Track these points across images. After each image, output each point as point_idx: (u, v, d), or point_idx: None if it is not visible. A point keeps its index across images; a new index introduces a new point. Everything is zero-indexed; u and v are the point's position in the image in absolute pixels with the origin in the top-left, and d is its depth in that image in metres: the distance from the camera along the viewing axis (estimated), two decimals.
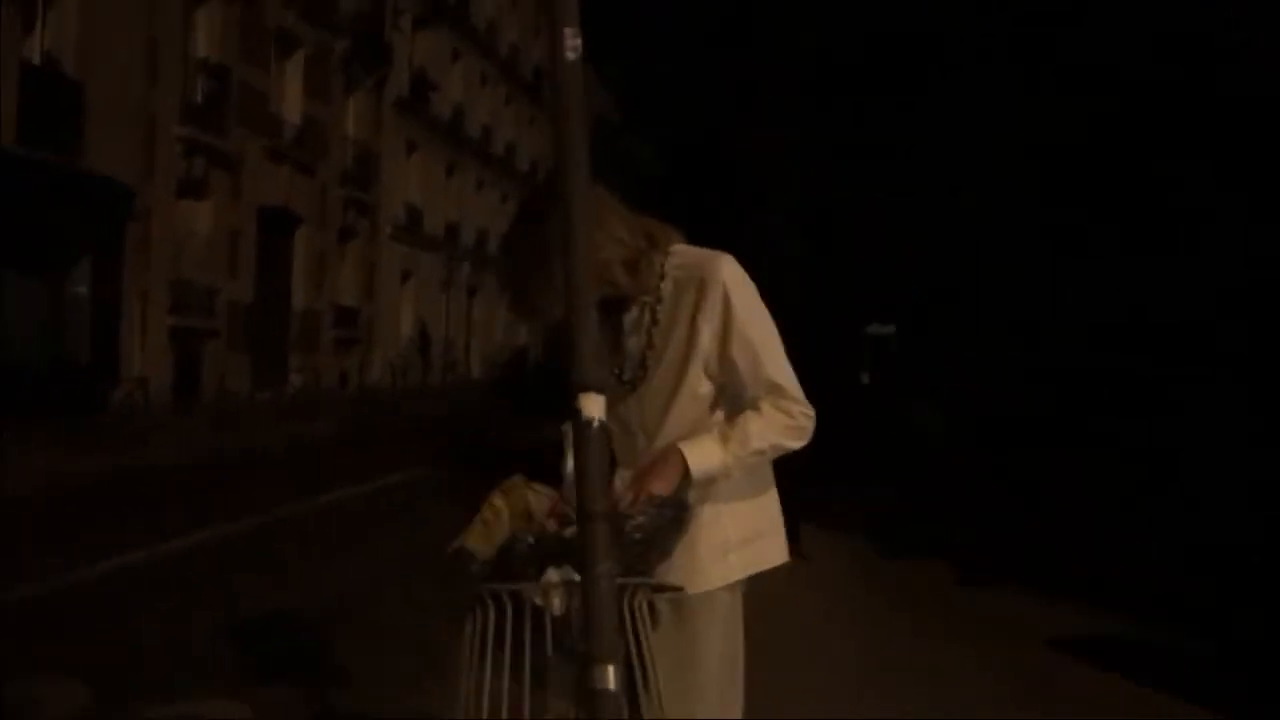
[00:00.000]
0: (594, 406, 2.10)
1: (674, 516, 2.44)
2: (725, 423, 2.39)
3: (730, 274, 2.36)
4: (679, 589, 2.36)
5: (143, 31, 19.79)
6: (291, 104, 25.93)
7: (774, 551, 2.51)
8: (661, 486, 2.30)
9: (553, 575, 2.19)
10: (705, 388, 2.42)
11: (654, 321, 2.42)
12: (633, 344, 2.45)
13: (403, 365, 31.76)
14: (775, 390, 2.36)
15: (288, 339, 25.89)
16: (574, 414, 2.11)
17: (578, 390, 2.11)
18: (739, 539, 2.46)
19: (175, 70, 20.89)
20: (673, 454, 2.33)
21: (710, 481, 2.38)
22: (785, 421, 2.35)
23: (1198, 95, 8.11)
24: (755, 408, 2.37)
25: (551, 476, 2.57)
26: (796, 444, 2.37)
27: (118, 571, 6.98)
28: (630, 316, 2.44)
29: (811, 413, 2.37)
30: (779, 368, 2.36)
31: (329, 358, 27.76)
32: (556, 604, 2.18)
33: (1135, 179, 8.82)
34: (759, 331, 2.36)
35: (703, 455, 2.33)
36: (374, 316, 30.51)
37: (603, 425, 2.10)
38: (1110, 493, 8.09)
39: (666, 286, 2.40)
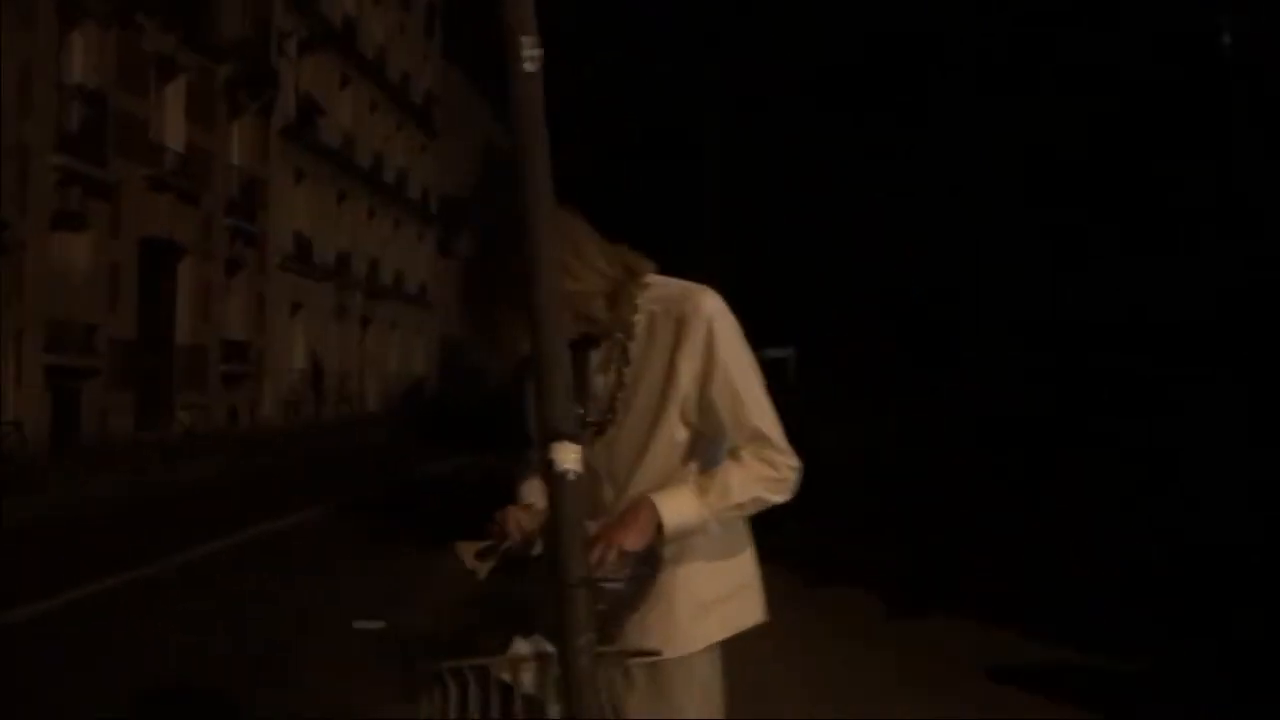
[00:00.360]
0: (568, 456, 1.86)
1: (645, 576, 2.20)
2: (702, 474, 2.16)
3: (714, 309, 2.15)
4: (656, 654, 2.12)
5: (13, 57, 18.88)
6: (173, 131, 25.06)
7: (753, 609, 2.29)
8: (632, 541, 2.06)
9: (522, 647, 1.93)
10: (681, 434, 2.19)
11: (625, 360, 2.18)
12: (600, 384, 2.21)
13: (295, 400, 30.87)
14: (758, 438, 2.14)
15: (173, 375, 24.91)
16: (545, 465, 1.86)
17: (548, 438, 1.86)
18: (716, 597, 2.23)
19: (48, 97, 19.99)
20: (644, 506, 2.09)
21: (684, 537, 2.14)
22: (768, 473, 2.13)
23: (1198, 95, 8.16)
24: (736, 457, 2.15)
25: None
26: (779, 498, 2.16)
27: None
28: (598, 354, 2.20)
29: (797, 464, 2.15)
30: (763, 413, 2.15)
31: (217, 394, 26.81)
32: (528, 680, 1.91)
33: (1127, 180, 8.86)
34: (743, 373, 2.15)
35: (677, 507, 2.10)
36: (264, 350, 29.61)
37: (579, 477, 1.86)
38: (1108, 493, 8.05)
39: (640, 321, 2.17)
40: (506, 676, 1.91)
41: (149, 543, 9.75)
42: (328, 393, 33.22)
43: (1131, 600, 6.30)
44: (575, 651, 1.79)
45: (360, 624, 6.79)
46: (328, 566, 8.96)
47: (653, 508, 2.09)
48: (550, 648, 1.92)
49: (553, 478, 1.84)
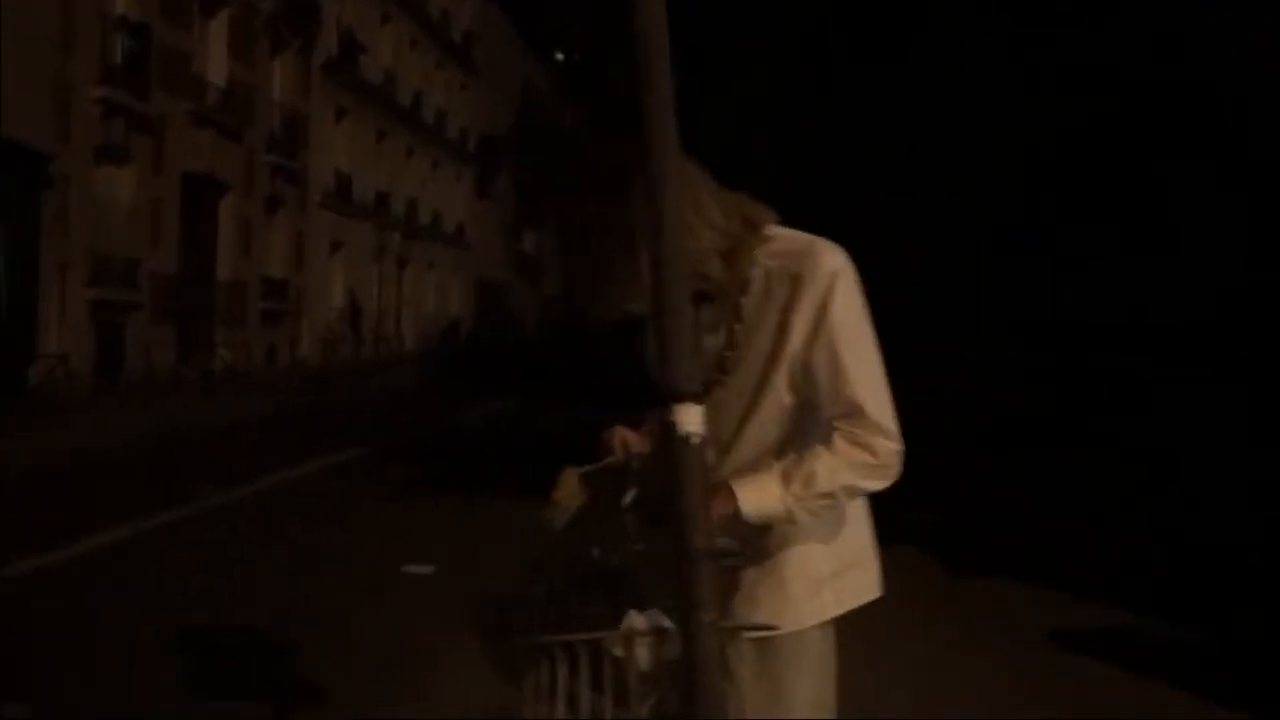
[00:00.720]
0: (692, 419, 1.71)
1: (756, 548, 2.07)
2: (792, 459, 1.99)
3: (835, 266, 1.97)
4: (772, 629, 2.00)
5: None
6: (216, 66, 24.93)
7: (869, 584, 2.15)
8: (719, 509, 1.93)
9: (637, 620, 1.80)
10: (788, 399, 2.03)
11: (738, 317, 2.02)
12: (710, 342, 2.05)
13: (333, 339, 30.95)
14: (855, 414, 1.95)
15: (214, 312, 25.00)
16: (666, 428, 1.73)
17: (670, 400, 1.72)
18: (831, 571, 2.10)
19: (92, 29, 19.88)
20: (721, 492, 1.94)
21: (768, 524, 2.00)
22: (862, 458, 1.95)
23: (1196, 94, 7.88)
24: (827, 440, 1.98)
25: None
26: (876, 485, 1.98)
27: (31, 573, 6.44)
28: (709, 310, 2.04)
29: (899, 448, 1.96)
30: (866, 387, 1.95)
31: (257, 331, 26.90)
32: (643, 657, 1.79)
33: (1125, 178, 8.59)
34: (852, 339, 1.96)
35: (758, 495, 1.95)
36: (303, 288, 29.65)
37: (704, 441, 1.72)
38: (1109, 491, 7.92)
39: (757, 276, 2.01)
40: (620, 652, 1.78)
41: (190, 481, 9.76)
42: (365, 332, 33.30)
43: (1131, 597, 6.19)
44: (699, 628, 1.66)
45: (410, 568, 6.75)
46: (372, 511, 8.93)
47: (730, 495, 1.94)
48: (668, 623, 1.79)
49: (675, 441, 1.70)
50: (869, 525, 2.17)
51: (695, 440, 1.72)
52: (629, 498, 2.10)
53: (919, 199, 10.52)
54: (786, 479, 1.97)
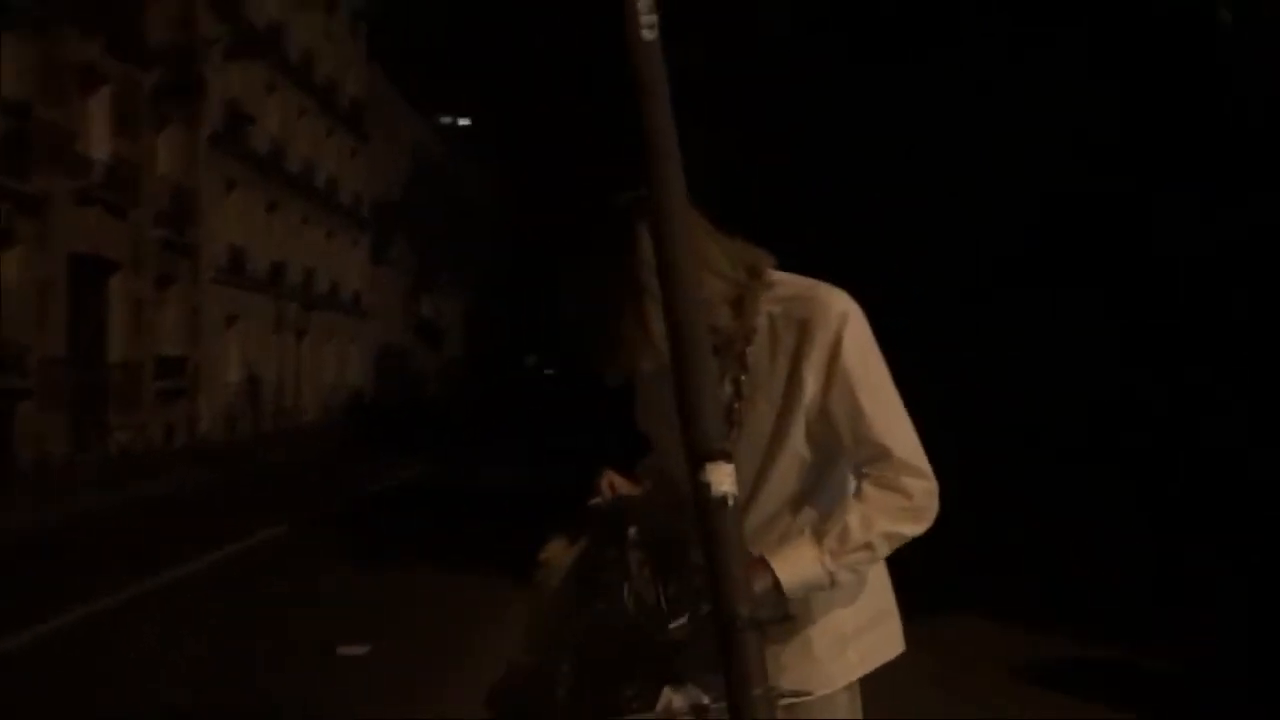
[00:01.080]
0: (724, 478, 1.63)
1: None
2: (821, 519, 1.92)
3: (844, 311, 1.91)
4: (807, 694, 1.91)
5: None
6: (99, 142, 24.25)
7: (893, 640, 2.07)
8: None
9: (675, 699, 1.69)
10: (806, 452, 1.96)
11: (743, 368, 1.95)
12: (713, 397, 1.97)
13: (232, 415, 30.12)
14: (882, 456, 1.88)
15: (107, 394, 24.11)
16: (696, 490, 1.63)
17: (699, 460, 1.63)
18: (855, 629, 2.01)
19: None
20: (758, 568, 1.83)
21: (809, 592, 1.90)
22: (895, 503, 1.87)
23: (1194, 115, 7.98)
24: (857, 492, 1.91)
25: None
26: (915, 529, 1.90)
27: None
28: (715, 362, 1.96)
29: (933, 485, 1.89)
30: (890, 427, 1.89)
31: (153, 411, 26.01)
32: None
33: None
34: (869, 383, 1.90)
35: (795, 564, 1.86)
36: (199, 364, 28.82)
37: (736, 502, 1.64)
38: (1077, 516, 7.99)
39: (760, 324, 1.94)
40: None
41: (109, 570, 9.30)
42: (265, 406, 32.48)
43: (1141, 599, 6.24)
44: (752, 704, 1.57)
45: (344, 650, 6.49)
46: (308, 589, 8.60)
47: (765, 567, 1.85)
48: (706, 698, 1.69)
49: (708, 503, 1.61)
50: (888, 579, 2.09)
51: (730, 501, 1.64)
52: (632, 533, 1.99)
53: (919, 197, 10.44)
54: (819, 538, 1.88)
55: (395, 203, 48.58)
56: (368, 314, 45.22)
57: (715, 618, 1.61)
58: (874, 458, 1.89)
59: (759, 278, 1.92)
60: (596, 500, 2.10)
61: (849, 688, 2.01)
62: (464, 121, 58.87)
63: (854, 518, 1.87)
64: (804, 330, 1.90)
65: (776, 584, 1.84)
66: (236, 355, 31.63)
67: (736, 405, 1.96)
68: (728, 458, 1.65)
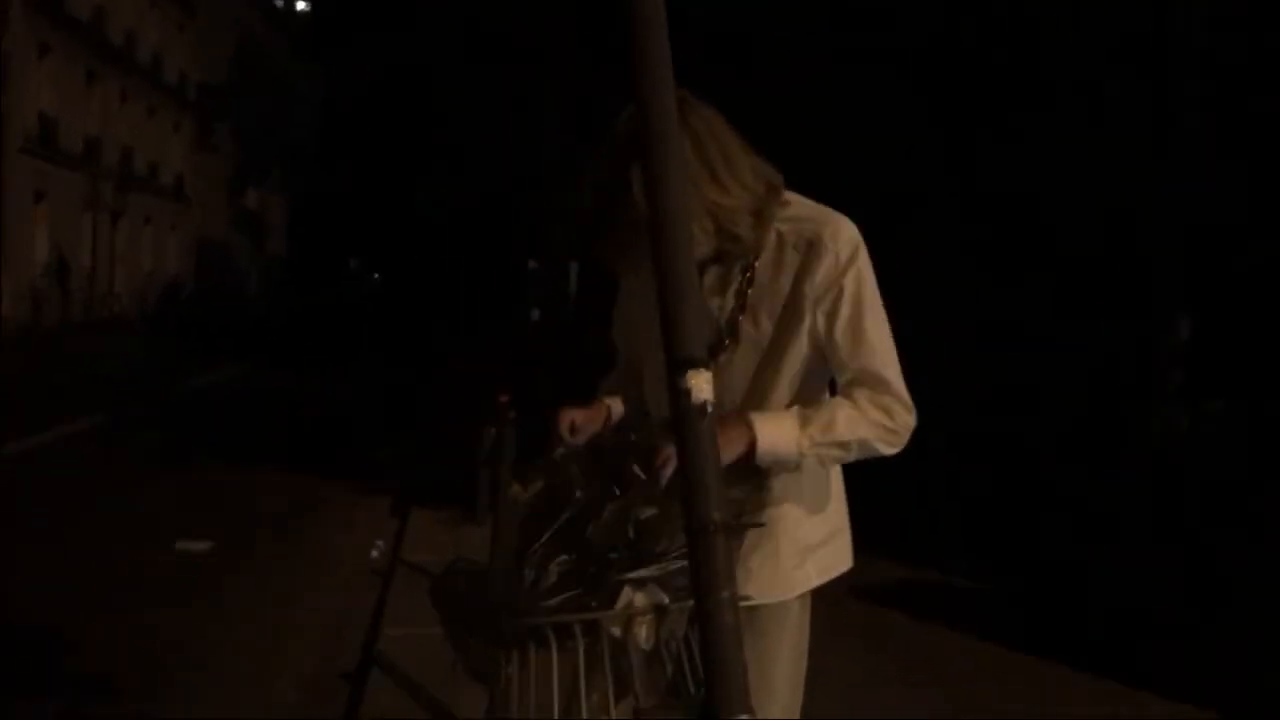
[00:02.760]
0: (703, 384, 1.63)
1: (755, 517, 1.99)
2: (807, 405, 1.97)
3: (852, 238, 1.96)
4: (771, 600, 1.99)
5: None
6: None
7: (844, 554, 2.14)
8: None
9: (636, 598, 1.70)
10: (798, 367, 2.00)
11: (749, 281, 1.98)
12: (715, 305, 2.01)
13: (39, 298, 28.36)
14: (878, 382, 1.95)
15: None
16: (675, 395, 1.63)
17: (678, 365, 1.63)
18: (817, 541, 2.08)
19: None
20: (738, 424, 1.89)
21: (777, 465, 1.95)
22: (881, 419, 1.94)
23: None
24: (848, 395, 1.97)
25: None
26: (887, 449, 1.97)
27: None
28: (715, 272, 1.99)
29: (913, 421, 1.97)
30: (886, 358, 1.97)
31: None
32: (643, 636, 1.70)
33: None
34: (871, 312, 1.96)
35: (776, 432, 1.90)
36: (3, 242, 26.97)
37: (714, 410, 1.64)
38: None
39: (769, 240, 1.97)
40: (618, 631, 1.68)
41: None
42: (75, 291, 30.71)
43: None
44: (719, 606, 1.59)
45: (183, 544, 6.29)
46: (127, 484, 8.25)
47: (748, 426, 1.89)
48: (666, 598, 1.71)
49: (685, 409, 1.61)
50: (844, 494, 2.15)
51: (709, 408, 1.64)
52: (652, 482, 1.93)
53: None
54: (804, 420, 1.92)
55: (223, 86, 46.11)
56: (190, 202, 43.10)
57: (687, 520, 1.62)
58: (869, 383, 1.95)
59: (776, 194, 1.95)
60: (561, 450, 2.02)
61: (802, 598, 2.07)
62: (301, 6, 56.20)
63: (842, 414, 1.93)
64: (811, 249, 1.95)
65: (752, 445, 1.88)
66: (44, 234, 29.72)
67: (740, 318, 1.99)
68: (708, 364, 1.66)
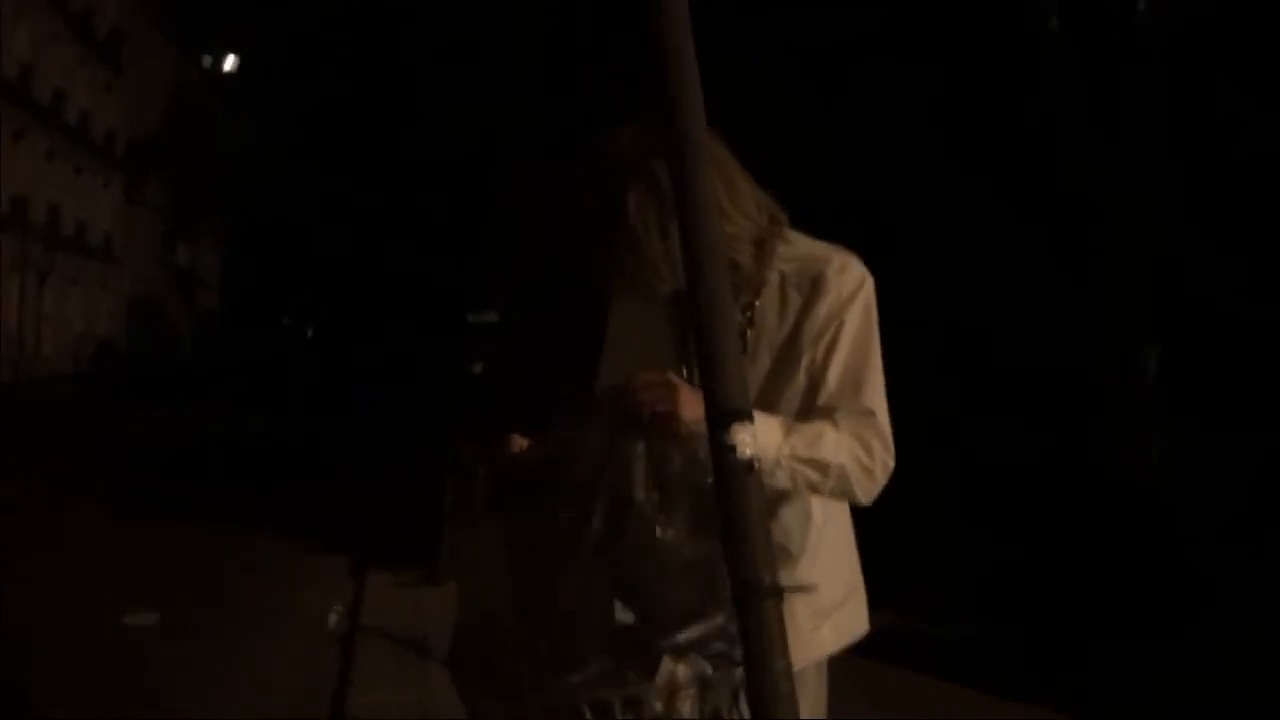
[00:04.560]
0: (748, 440, 1.54)
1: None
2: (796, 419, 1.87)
3: (860, 277, 1.89)
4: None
5: None
6: None
7: (860, 618, 2.03)
8: (691, 411, 1.70)
9: (677, 670, 1.59)
10: (797, 405, 1.90)
11: (749, 321, 1.88)
12: None
13: None
14: (864, 415, 1.85)
15: None
16: (719, 452, 1.53)
17: (724, 419, 1.53)
18: (832, 603, 1.95)
19: None
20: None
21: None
22: (861, 455, 1.84)
23: None
24: (834, 422, 1.86)
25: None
26: (859, 490, 1.85)
27: None
28: None
29: (891, 465, 1.87)
30: (877, 398, 1.88)
31: None
32: (686, 710, 1.58)
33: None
34: (871, 350, 1.88)
35: (759, 430, 1.71)
36: None
37: (758, 466, 1.55)
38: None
39: (772, 279, 1.88)
40: (660, 706, 1.57)
41: None
42: (4, 355, 29.88)
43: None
44: (775, 676, 1.48)
45: (132, 617, 6.02)
46: (69, 550, 7.92)
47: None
48: (710, 669, 1.59)
49: (732, 466, 1.51)
50: (857, 556, 2.05)
51: (756, 465, 1.54)
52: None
53: None
54: (789, 430, 1.81)
55: (153, 143, 45.48)
56: (120, 260, 42.29)
57: (735, 586, 1.52)
58: (855, 414, 1.85)
59: (778, 227, 1.87)
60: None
61: (819, 665, 1.97)
62: (230, 64, 55.74)
63: (829, 435, 1.83)
64: (815, 287, 1.87)
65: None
66: None
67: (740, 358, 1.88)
68: (750, 418, 1.57)
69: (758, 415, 1.76)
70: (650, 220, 1.77)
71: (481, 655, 1.69)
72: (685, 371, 1.87)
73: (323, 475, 11.84)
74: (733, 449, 1.51)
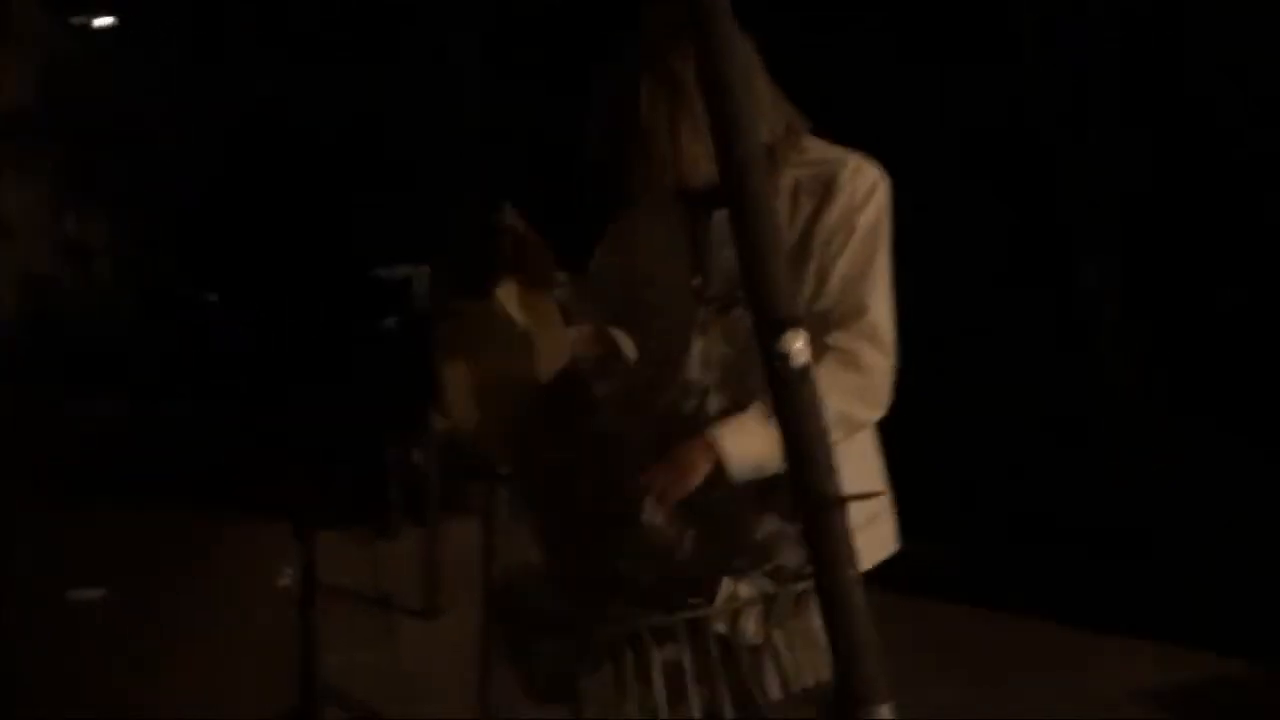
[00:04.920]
0: (802, 348, 1.49)
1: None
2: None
3: (871, 180, 1.83)
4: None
5: None
6: None
7: (888, 537, 2.00)
8: (678, 488, 1.69)
9: (739, 588, 1.55)
10: (812, 319, 1.84)
11: None
12: (728, 254, 1.84)
13: None
14: (855, 314, 1.81)
15: None
16: (773, 361, 1.48)
17: (776, 327, 1.48)
18: (858, 521, 1.92)
19: None
20: (697, 444, 1.73)
21: (760, 474, 1.77)
22: (851, 381, 1.79)
23: None
24: (817, 358, 1.82)
25: None
26: (867, 413, 1.83)
27: None
28: (723, 218, 1.82)
29: (890, 363, 1.83)
30: (875, 293, 1.83)
31: None
32: (750, 630, 1.55)
33: None
34: (874, 253, 1.84)
35: (745, 440, 1.73)
36: None
37: (812, 371, 1.50)
38: None
39: (784, 186, 1.82)
40: (724, 628, 1.53)
41: None
42: None
43: None
44: (848, 585, 1.46)
45: (76, 594, 5.83)
46: None
47: (710, 443, 1.73)
48: (771, 586, 1.56)
49: (788, 375, 1.46)
50: (882, 478, 2.01)
51: (811, 372, 1.50)
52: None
53: None
54: (767, 414, 1.69)
55: (29, 107, 43.60)
56: (14, 234, 40.63)
57: (797, 497, 1.48)
58: (847, 314, 1.82)
59: (795, 134, 1.81)
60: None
61: None
62: (104, 21, 53.59)
63: (822, 378, 1.77)
64: (827, 191, 1.81)
65: (718, 463, 1.72)
66: None
67: None
68: (802, 324, 1.52)
69: (735, 421, 1.74)
70: (661, 117, 1.69)
71: (534, 598, 1.63)
72: (700, 279, 1.82)
73: (251, 446, 11.56)
74: (785, 357, 1.46)
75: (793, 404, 1.46)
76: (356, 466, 7.30)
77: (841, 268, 1.81)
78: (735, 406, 1.81)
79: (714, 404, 1.83)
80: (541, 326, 1.67)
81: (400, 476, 6.80)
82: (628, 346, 1.90)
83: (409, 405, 5.81)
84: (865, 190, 1.81)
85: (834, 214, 1.80)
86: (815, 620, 1.52)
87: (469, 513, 5.86)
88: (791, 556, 1.57)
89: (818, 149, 1.86)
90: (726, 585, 1.54)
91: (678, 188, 1.73)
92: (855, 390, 1.78)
